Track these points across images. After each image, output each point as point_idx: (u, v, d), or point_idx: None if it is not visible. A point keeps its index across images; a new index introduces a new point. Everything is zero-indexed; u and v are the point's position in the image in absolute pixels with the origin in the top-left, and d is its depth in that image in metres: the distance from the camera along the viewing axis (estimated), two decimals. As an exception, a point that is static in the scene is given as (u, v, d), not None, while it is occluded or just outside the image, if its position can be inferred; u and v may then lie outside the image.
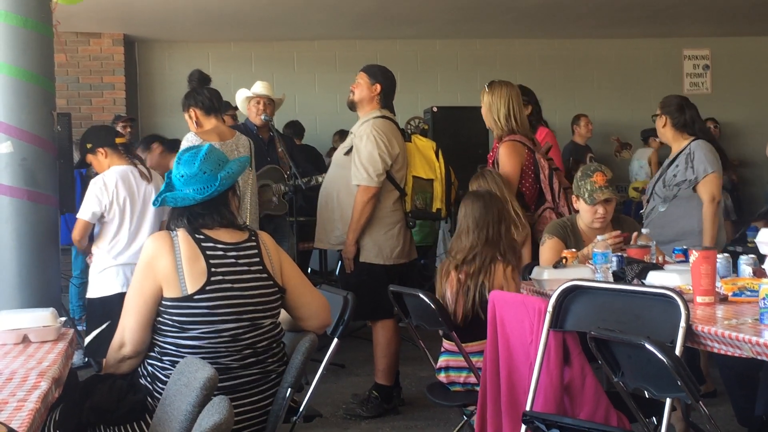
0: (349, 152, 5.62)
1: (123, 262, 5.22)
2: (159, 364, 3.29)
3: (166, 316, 3.28)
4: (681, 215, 5.35)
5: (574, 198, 4.79)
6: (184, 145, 5.36)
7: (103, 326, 5.19)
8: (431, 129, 9.62)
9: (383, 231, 5.62)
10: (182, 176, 3.36)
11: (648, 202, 5.60)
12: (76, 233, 5.31)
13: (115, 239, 5.25)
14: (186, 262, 3.27)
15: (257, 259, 3.39)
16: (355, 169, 5.54)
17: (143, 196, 5.32)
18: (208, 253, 3.30)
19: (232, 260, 3.33)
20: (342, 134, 9.54)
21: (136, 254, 5.15)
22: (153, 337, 3.33)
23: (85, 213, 5.26)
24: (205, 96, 5.54)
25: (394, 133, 5.65)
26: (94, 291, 5.26)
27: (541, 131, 6.41)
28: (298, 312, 3.55)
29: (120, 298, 5.06)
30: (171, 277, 3.25)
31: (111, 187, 5.25)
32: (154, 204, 3.56)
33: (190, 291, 3.24)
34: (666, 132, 5.57)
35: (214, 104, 5.57)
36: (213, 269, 3.28)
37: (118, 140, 5.38)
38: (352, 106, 5.75)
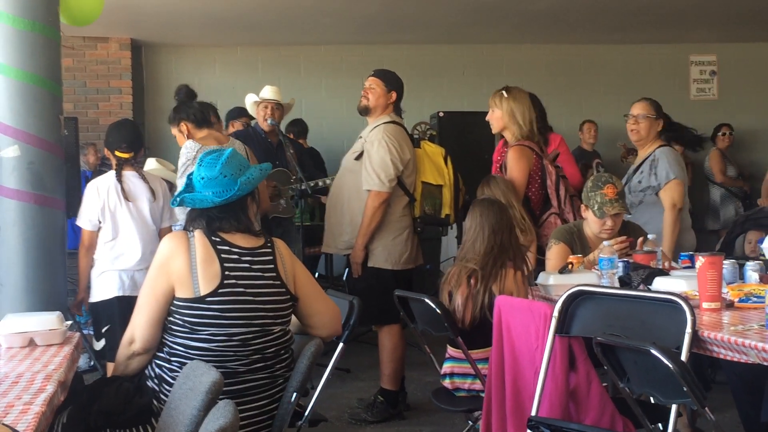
0: (359, 157, 5.62)
1: (120, 267, 5.20)
2: (167, 365, 3.30)
3: (177, 316, 3.29)
4: (647, 220, 5.40)
5: (583, 207, 4.76)
6: (183, 153, 5.36)
7: (104, 330, 5.21)
8: (438, 134, 9.61)
9: (392, 236, 5.63)
10: (202, 178, 3.38)
11: None
12: (84, 243, 5.26)
13: (110, 243, 5.22)
14: (201, 264, 3.29)
15: (271, 266, 3.41)
16: (366, 174, 5.54)
17: (141, 201, 5.28)
18: (223, 256, 3.32)
19: (247, 265, 3.35)
20: None
21: (136, 259, 5.18)
22: (163, 336, 3.35)
23: (83, 222, 5.24)
24: (195, 109, 5.55)
25: (405, 138, 5.66)
26: (93, 295, 5.27)
27: (554, 138, 6.40)
28: (310, 320, 3.56)
29: (118, 301, 5.11)
30: (185, 278, 3.27)
31: (102, 192, 5.22)
32: (172, 204, 3.59)
33: (203, 293, 3.26)
34: (650, 135, 5.61)
35: (206, 117, 5.57)
36: (227, 273, 3.30)
37: (118, 153, 5.31)
38: (365, 111, 5.74)
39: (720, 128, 10.49)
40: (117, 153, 5.32)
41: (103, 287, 5.21)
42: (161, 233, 5.30)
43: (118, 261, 5.21)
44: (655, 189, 5.44)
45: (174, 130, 5.68)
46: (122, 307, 5.11)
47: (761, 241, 5.25)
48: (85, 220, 5.23)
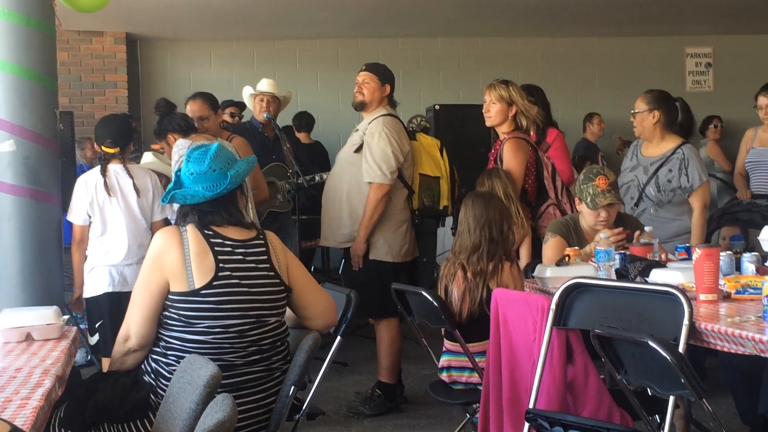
0: (359, 149, 5.60)
1: (110, 263, 5.17)
2: (163, 359, 3.30)
3: (172, 311, 3.30)
4: (672, 218, 5.42)
5: (577, 200, 4.76)
6: (175, 151, 5.34)
7: (97, 325, 5.20)
8: (433, 127, 9.60)
9: (393, 229, 5.63)
10: (192, 174, 3.39)
11: (637, 204, 5.54)
12: (75, 238, 5.21)
13: (100, 238, 5.19)
14: (194, 257, 3.29)
15: (265, 257, 3.42)
16: (367, 166, 5.53)
17: (127, 196, 5.24)
18: (216, 249, 3.33)
19: (240, 257, 3.36)
20: None
21: (125, 254, 5.15)
22: (158, 331, 3.35)
23: (73, 217, 5.19)
24: (179, 118, 5.55)
25: (403, 131, 5.68)
26: (85, 291, 5.24)
27: (551, 132, 6.38)
28: (304, 311, 3.57)
29: (107, 297, 5.10)
30: (179, 272, 3.28)
31: (90, 187, 5.16)
32: (162, 201, 3.59)
33: (198, 285, 3.26)
34: (655, 129, 5.50)
35: (190, 123, 5.58)
36: (221, 265, 3.31)
37: (104, 148, 5.24)
38: (361, 106, 5.72)
39: (711, 120, 10.49)
40: (103, 147, 5.28)
41: (93, 283, 5.18)
42: (154, 227, 5.28)
43: (108, 256, 5.17)
44: (687, 190, 5.36)
45: (162, 144, 5.66)
46: (112, 303, 5.10)
47: (734, 237, 5.30)
48: (74, 214, 5.19)
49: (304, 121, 9.68)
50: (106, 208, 5.18)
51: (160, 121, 5.63)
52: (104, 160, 5.27)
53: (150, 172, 5.44)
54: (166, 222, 5.27)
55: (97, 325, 5.19)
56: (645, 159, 5.58)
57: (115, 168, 5.25)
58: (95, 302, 5.18)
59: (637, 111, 5.55)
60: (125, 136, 5.39)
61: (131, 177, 5.24)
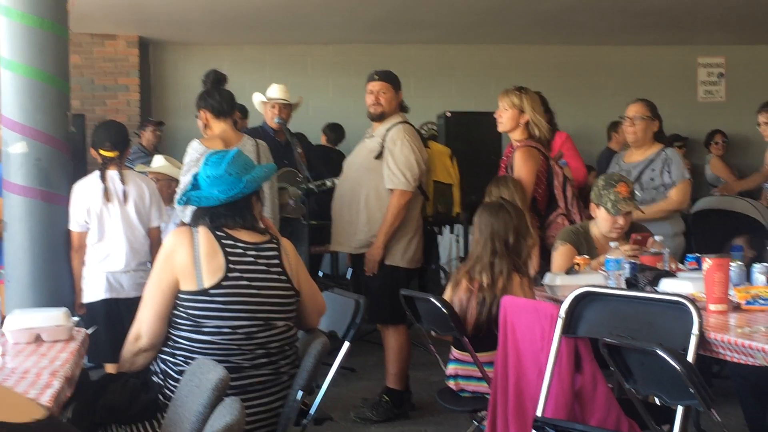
0: (379, 156, 5.59)
1: (107, 269, 5.16)
2: (171, 359, 3.31)
3: (181, 310, 3.31)
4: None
5: (593, 206, 4.75)
6: (188, 152, 5.33)
7: (89, 331, 5.19)
8: (445, 134, 9.59)
9: (409, 235, 5.65)
10: (208, 177, 3.42)
11: None
12: (73, 245, 5.14)
13: (96, 245, 5.17)
14: (204, 257, 3.31)
15: (276, 261, 3.43)
16: (390, 173, 5.53)
17: (123, 202, 5.20)
18: (227, 250, 3.35)
19: (251, 259, 3.37)
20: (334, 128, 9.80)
21: (122, 261, 5.16)
22: (167, 331, 3.36)
23: (71, 224, 5.12)
24: (215, 99, 5.47)
25: (419, 138, 5.68)
26: (84, 296, 5.23)
27: (559, 135, 6.38)
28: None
29: (103, 304, 5.10)
30: (188, 270, 3.30)
31: (87, 193, 5.15)
32: (178, 202, 3.60)
33: (207, 285, 3.28)
34: (646, 136, 5.72)
35: (224, 108, 5.48)
36: (231, 265, 3.32)
37: (102, 152, 5.25)
38: (381, 117, 5.70)
39: (713, 135, 10.42)
40: (101, 152, 5.25)
41: (90, 289, 5.16)
42: (150, 234, 5.28)
43: (105, 263, 5.17)
44: (668, 186, 5.54)
45: (198, 116, 5.65)
46: (109, 309, 5.09)
47: (734, 248, 5.31)
48: (72, 221, 5.12)
49: (339, 132, 9.84)
50: (104, 215, 5.16)
51: (200, 94, 5.57)
52: (103, 165, 5.26)
53: (147, 179, 5.44)
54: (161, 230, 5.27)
55: (89, 331, 5.17)
56: (627, 165, 5.78)
57: (111, 174, 5.24)
58: (93, 308, 5.16)
59: (641, 116, 5.63)
60: (123, 141, 5.38)
61: (123, 183, 5.23)
